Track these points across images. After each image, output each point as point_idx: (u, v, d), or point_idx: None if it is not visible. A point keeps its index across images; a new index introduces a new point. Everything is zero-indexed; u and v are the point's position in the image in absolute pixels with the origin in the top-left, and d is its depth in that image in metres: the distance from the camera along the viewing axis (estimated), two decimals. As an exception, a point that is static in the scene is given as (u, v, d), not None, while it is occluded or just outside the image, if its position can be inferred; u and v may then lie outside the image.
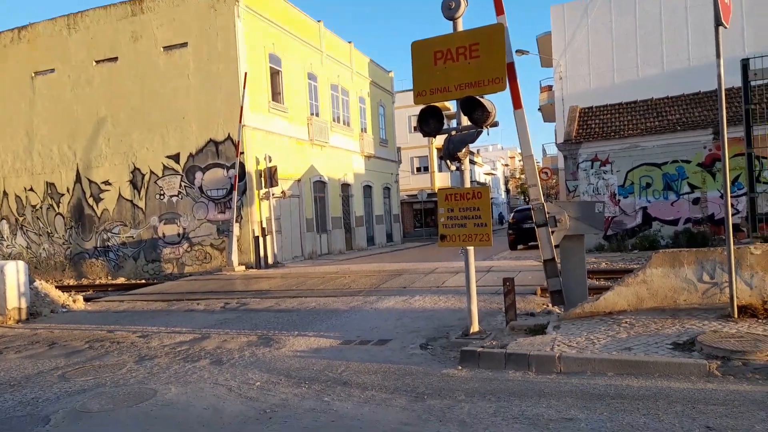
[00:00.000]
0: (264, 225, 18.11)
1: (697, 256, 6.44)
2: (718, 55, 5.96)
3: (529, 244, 19.43)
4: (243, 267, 17.13)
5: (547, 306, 8.01)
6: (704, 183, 16.04)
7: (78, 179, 19.84)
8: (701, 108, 17.24)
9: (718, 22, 5.92)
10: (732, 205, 5.91)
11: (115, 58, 19.11)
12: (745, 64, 7.73)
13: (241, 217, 17.60)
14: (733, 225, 6.12)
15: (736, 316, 5.88)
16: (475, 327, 6.57)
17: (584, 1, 26.91)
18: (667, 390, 4.43)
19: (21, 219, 20.84)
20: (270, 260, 18.09)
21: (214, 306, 10.54)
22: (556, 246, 6.99)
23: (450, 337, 6.67)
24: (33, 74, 20.37)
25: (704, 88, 17.92)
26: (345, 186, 24.95)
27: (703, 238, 15.39)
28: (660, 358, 4.95)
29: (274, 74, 19.74)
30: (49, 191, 20.32)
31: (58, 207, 20.20)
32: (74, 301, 11.41)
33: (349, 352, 6.36)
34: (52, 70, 20.08)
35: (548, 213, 7.00)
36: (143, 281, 16.92)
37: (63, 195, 20.10)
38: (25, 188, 20.69)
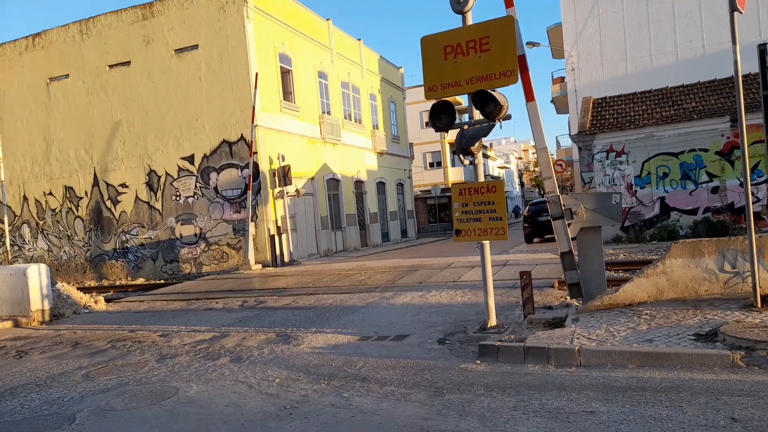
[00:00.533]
0: (279, 224, 18.22)
1: (717, 245, 6.35)
2: (734, 41, 5.86)
3: (545, 237, 19.29)
4: (259, 266, 17.26)
5: (565, 299, 7.96)
6: (723, 171, 15.78)
7: (95, 182, 20.13)
8: (717, 95, 16.94)
9: (733, 8, 5.82)
10: (752, 193, 5.81)
11: (128, 62, 19.32)
12: (762, 49, 7.57)
13: (257, 217, 17.72)
14: (754, 213, 6.02)
15: (759, 305, 5.79)
16: (493, 321, 6.56)
17: (595, -10, 26.56)
18: (690, 382, 4.38)
19: (41, 223, 21.21)
20: (286, 258, 18.20)
21: (233, 304, 10.64)
22: (573, 238, 6.93)
23: (468, 332, 6.66)
24: (48, 80, 20.68)
25: (720, 75, 17.60)
26: (358, 183, 24.98)
27: (723, 228, 15.15)
28: (682, 349, 4.89)
29: (285, 74, 19.81)
30: (68, 195, 20.64)
31: (77, 210, 20.52)
32: (96, 302, 11.60)
33: (367, 348, 6.38)
34: (67, 76, 20.36)
35: (564, 205, 6.94)
36: (162, 281, 17.13)
37: (81, 198, 20.41)
38: (44, 192, 21.04)
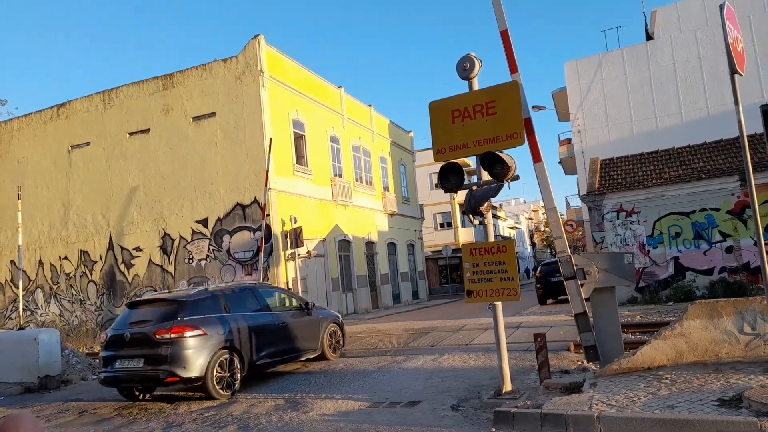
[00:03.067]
0: (290, 285, 18.16)
1: (735, 306, 6.21)
2: (736, 102, 5.99)
3: (559, 298, 18.98)
4: (269, 329, 17.03)
5: (582, 362, 7.74)
6: (736, 230, 15.64)
7: (110, 246, 20.40)
8: (725, 155, 17.08)
9: (733, 71, 5.99)
10: (767, 253, 5.74)
11: (147, 130, 20.05)
12: (765, 109, 7.71)
13: (268, 278, 17.70)
14: (771, 272, 5.92)
15: (783, 368, 5.58)
16: (508, 386, 6.37)
17: (597, 56, 27.51)
18: (717, 450, 4.17)
19: (55, 287, 21.34)
20: (296, 321, 17.99)
21: (241, 370, 10.43)
22: (587, 299, 6.83)
23: (482, 398, 6.46)
24: (70, 147, 21.44)
25: (725, 135, 17.83)
26: (369, 244, 25.05)
27: (740, 288, 14.84)
28: (706, 416, 4.69)
29: (298, 138, 20.40)
30: (83, 259, 20.88)
31: (91, 274, 20.67)
32: (103, 368, 11.44)
33: (379, 415, 6.19)
34: (88, 143, 21.13)
35: (576, 265, 6.89)
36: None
37: (96, 262, 20.62)
38: (59, 257, 21.31)
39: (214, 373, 7.65)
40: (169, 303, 8.00)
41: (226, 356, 7.86)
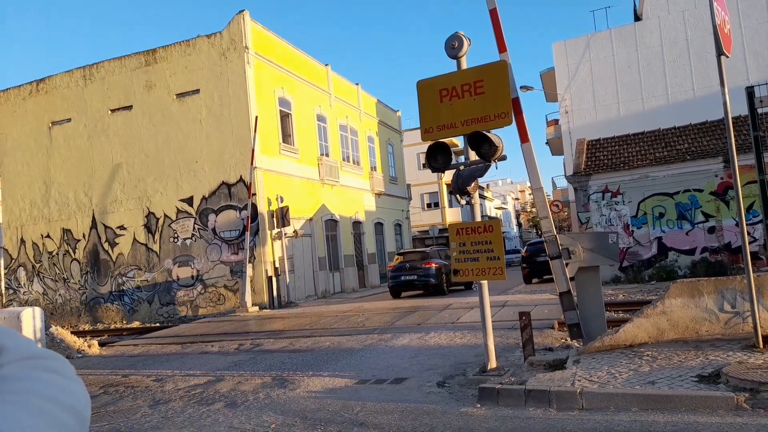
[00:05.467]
0: (277, 265, 18.13)
1: (716, 285, 6.33)
2: (722, 84, 6.02)
3: (544, 277, 19.20)
4: (257, 308, 17.07)
5: (566, 340, 7.86)
6: (718, 211, 15.88)
7: (94, 225, 20.13)
8: (709, 137, 17.24)
9: (719, 52, 6.00)
10: (748, 233, 5.83)
11: (130, 107, 19.66)
12: (750, 91, 7.77)
13: (254, 258, 17.65)
14: (751, 253, 6.03)
15: (761, 346, 5.72)
16: (493, 363, 6.46)
17: (585, 36, 27.42)
18: (695, 425, 4.29)
19: (38, 266, 21.08)
20: (283, 300, 18.03)
21: (228, 347, 10.46)
22: (572, 278, 6.91)
23: (467, 375, 6.55)
24: (50, 124, 20.98)
25: (710, 117, 17.97)
26: (356, 224, 25.03)
27: (721, 267, 15.13)
28: (685, 391, 4.81)
29: (284, 117, 20.16)
30: (66, 237, 20.60)
31: (74, 253, 20.43)
32: (89, 346, 11.41)
33: (365, 392, 6.25)
34: (69, 120, 20.68)
35: (561, 245, 6.95)
36: (158, 324, 16.89)
37: (79, 241, 20.36)
38: (42, 235, 21.01)
39: (443, 280, 17.24)
40: (423, 252, 18.56)
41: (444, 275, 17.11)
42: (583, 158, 18.42)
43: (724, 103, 6.04)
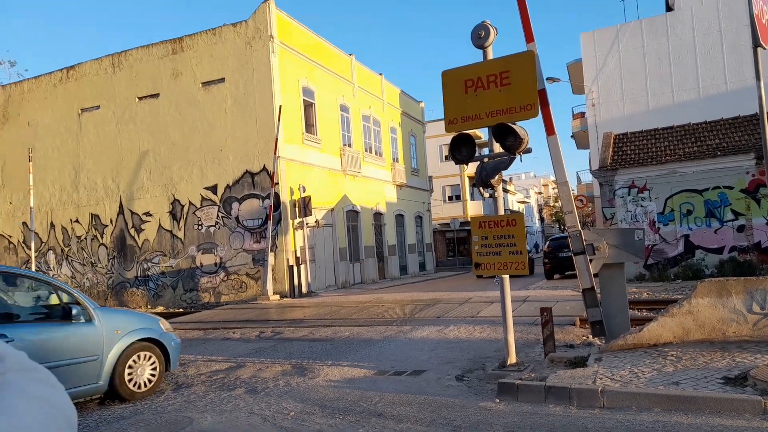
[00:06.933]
0: (298, 254, 18.28)
1: (745, 285, 6.17)
2: (758, 77, 5.83)
3: (566, 273, 18.97)
4: (277, 296, 17.26)
5: (587, 337, 7.77)
6: (749, 210, 15.44)
7: (121, 211, 20.55)
8: (741, 132, 16.74)
9: (756, 43, 5.81)
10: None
11: (157, 95, 19.93)
12: (788, 86, 7.51)
13: (276, 247, 17.81)
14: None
15: (791, 348, 5.57)
16: (513, 358, 6.42)
17: (614, 27, 26.80)
18: (720, 428, 4.20)
19: (67, 250, 21.62)
20: (304, 289, 18.19)
21: (250, 335, 10.61)
22: (595, 275, 6.81)
23: (486, 369, 6.52)
24: (80, 111, 21.40)
25: (743, 112, 17.44)
26: (377, 215, 25.05)
27: (750, 268, 14.74)
28: (710, 393, 4.71)
29: (308, 106, 20.21)
30: (94, 222, 21.07)
31: (102, 238, 20.90)
32: (114, 330, 11.66)
33: (384, 383, 6.27)
34: (98, 107, 21.06)
35: (586, 240, 6.85)
36: (181, 310, 17.21)
37: (107, 226, 20.81)
38: (71, 220, 21.52)
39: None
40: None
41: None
42: (610, 152, 18.08)
43: (759, 97, 5.85)
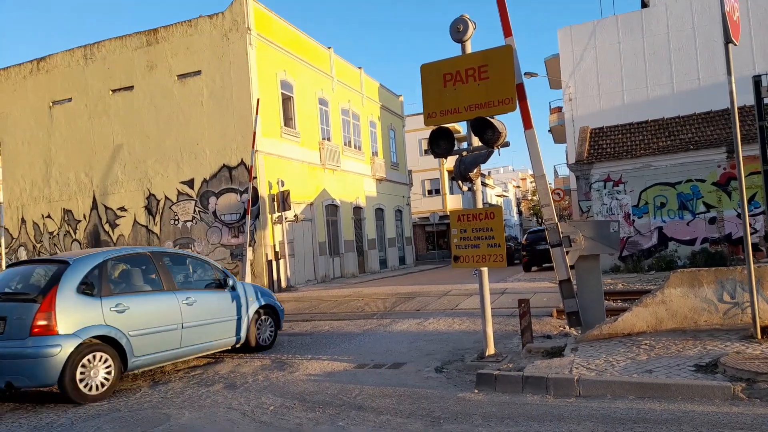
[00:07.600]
0: (277, 249, 18.16)
1: (716, 275, 6.33)
2: (729, 72, 5.95)
3: (544, 265, 19.23)
4: (256, 291, 17.12)
5: (564, 328, 7.89)
6: (720, 202, 15.84)
7: (94, 206, 20.13)
8: (713, 127, 17.13)
9: (727, 40, 5.92)
10: (749, 224, 5.82)
11: (131, 87, 19.54)
12: (757, 80, 7.71)
13: (255, 241, 17.67)
14: (752, 244, 6.02)
15: (759, 336, 5.73)
16: (491, 350, 6.48)
17: (591, 23, 27.12)
18: (691, 414, 4.31)
19: (38, 246, 21.12)
20: (283, 284, 18.09)
21: (228, 330, 10.49)
22: (572, 267, 6.91)
23: (465, 360, 6.57)
24: (51, 104, 20.87)
25: (715, 107, 17.84)
26: (357, 209, 25.02)
27: (721, 258, 15.13)
28: (682, 380, 4.83)
29: (286, 100, 20.04)
30: (66, 218, 20.61)
31: (75, 233, 20.46)
32: (89, 327, 11.47)
33: (364, 376, 6.29)
34: (70, 100, 20.57)
35: (562, 233, 6.93)
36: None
37: (80, 221, 20.38)
38: (42, 215, 21.02)
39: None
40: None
41: None
42: (586, 146, 18.34)
43: (730, 92, 5.98)
